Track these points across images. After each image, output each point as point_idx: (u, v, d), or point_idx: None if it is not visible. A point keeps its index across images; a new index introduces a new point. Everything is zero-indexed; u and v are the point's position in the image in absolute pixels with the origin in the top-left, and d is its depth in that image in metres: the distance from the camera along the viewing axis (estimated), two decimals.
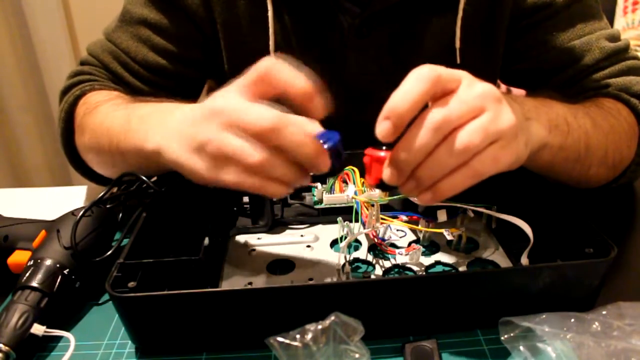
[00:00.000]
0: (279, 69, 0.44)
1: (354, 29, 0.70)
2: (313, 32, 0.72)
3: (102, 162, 0.67)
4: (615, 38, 0.71)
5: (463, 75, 0.43)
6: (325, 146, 0.43)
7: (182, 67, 0.75)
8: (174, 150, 0.47)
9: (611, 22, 1.67)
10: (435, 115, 0.41)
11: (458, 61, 0.71)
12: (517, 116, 0.44)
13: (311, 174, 0.44)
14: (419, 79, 0.41)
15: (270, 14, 0.69)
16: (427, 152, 0.41)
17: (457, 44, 0.70)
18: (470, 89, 0.42)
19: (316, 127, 0.43)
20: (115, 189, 0.62)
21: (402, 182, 0.43)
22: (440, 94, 0.42)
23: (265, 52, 0.70)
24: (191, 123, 0.46)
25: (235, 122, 0.42)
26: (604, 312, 0.45)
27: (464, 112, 0.41)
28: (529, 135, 0.48)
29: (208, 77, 0.84)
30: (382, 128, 0.41)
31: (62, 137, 0.70)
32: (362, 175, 0.64)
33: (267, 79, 0.44)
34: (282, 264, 0.57)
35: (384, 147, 0.44)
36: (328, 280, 0.53)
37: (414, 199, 0.46)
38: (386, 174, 0.43)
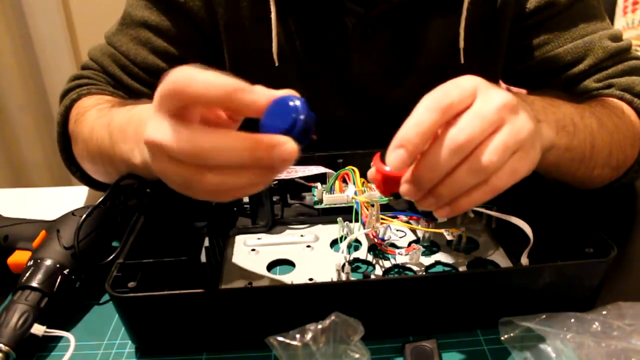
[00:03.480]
0: (190, 80, 0.36)
1: (358, 30, 0.70)
2: (317, 34, 0.71)
3: (97, 171, 0.67)
4: (617, 38, 0.71)
5: (478, 86, 0.42)
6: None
7: None
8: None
9: (611, 22, 1.67)
10: (458, 136, 0.40)
11: (462, 61, 0.71)
12: (533, 122, 0.43)
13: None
14: (431, 109, 0.40)
15: (273, 15, 0.68)
16: (449, 171, 0.40)
17: (461, 44, 0.70)
18: (488, 102, 0.41)
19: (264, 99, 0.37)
20: (115, 189, 0.62)
21: (420, 197, 0.42)
22: (455, 116, 0.41)
23: (269, 54, 0.70)
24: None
25: (156, 152, 0.38)
26: (604, 312, 0.45)
27: (485, 129, 0.40)
28: (542, 139, 0.48)
29: None
30: (397, 157, 0.39)
31: (58, 143, 0.70)
32: (362, 175, 0.64)
33: (177, 95, 0.37)
34: (282, 264, 0.57)
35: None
36: (328, 280, 0.53)
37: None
38: (404, 189, 0.42)
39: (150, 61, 0.72)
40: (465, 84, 0.41)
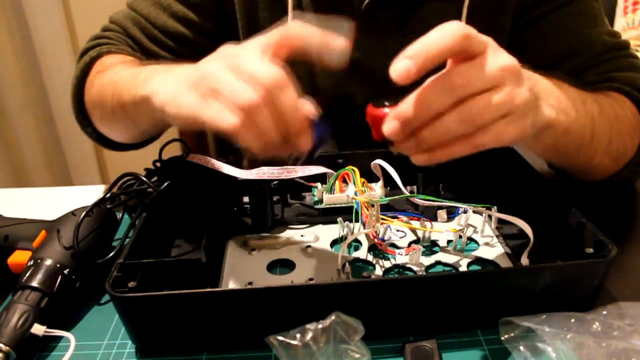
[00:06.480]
0: (300, 29, 0.45)
1: (365, 10, 0.72)
2: (327, 10, 0.73)
3: (104, 117, 0.70)
4: (615, 35, 0.73)
5: (490, 42, 0.43)
6: (314, 133, 0.45)
7: (200, 37, 0.77)
8: (167, 92, 0.48)
9: (611, 22, 1.67)
10: (454, 77, 0.40)
11: None
12: (532, 95, 0.44)
13: (285, 152, 0.45)
14: (450, 32, 0.40)
15: None
16: (436, 113, 0.41)
17: None
18: (495, 58, 0.42)
19: (312, 111, 0.45)
20: (115, 189, 0.62)
21: (403, 138, 0.43)
22: (464, 54, 0.41)
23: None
24: (198, 65, 0.47)
25: (243, 65, 0.43)
26: (604, 312, 0.45)
27: (484, 82, 0.41)
28: (537, 115, 0.48)
29: None
30: (403, 66, 0.40)
31: (73, 97, 0.73)
32: (362, 175, 0.64)
33: (288, 40, 0.45)
34: (282, 264, 0.57)
35: (386, 104, 0.43)
36: (328, 280, 0.53)
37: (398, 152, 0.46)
38: (388, 127, 0.42)
39: (169, 25, 0.75)
40: (481, 35, 0.42)
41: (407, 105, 0.41)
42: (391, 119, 0.42)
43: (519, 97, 0.42)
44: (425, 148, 0.42)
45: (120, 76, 0.63)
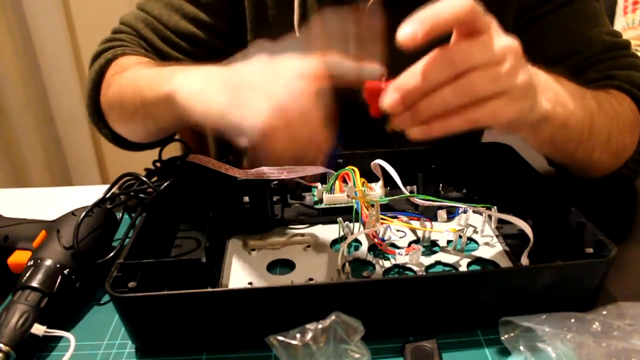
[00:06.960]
0: (338, 62, 0.48)
1: (371, 8, 0.71)
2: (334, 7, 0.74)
3: (122, 117, 0.70)
4: (616, 35, 0.73)
5: (494, 23, 0.43)
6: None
7: (212, 36, 0.77)
8: (193, 89, 0.49)
9: (611, 22, 1.67)
10: (456, 51, 0.41)
11: None
12: (529, 79, 0.44)
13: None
14: (458, 2, 0.40)
15: None
16: (436, 85, 0.41)
17: None
18: (498, 37, 0.42)
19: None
20: (115, 189, 0.62)
21: (400, 110, 0.43)
22: (469, 28, 0.41)
23: (289, 27, 0.72)
24: (232, 66, 0.49)
25: (280, 74, 0.45)
26: (604, 312, 0.45)
27: (485, 57, 0.41)
28: (536, 102, 0.48)
29: (234, 49, 0.86)
30: (410, 30, 0.39)
31: (89, 99, 0.73)
32: (362, 175, 0.64)
33: (325, 73, 0.47)
34: (282, 264, 0.57)
35: (383, 79, 0.43)
36: (328, 280, 0.53)
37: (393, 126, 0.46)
38: (387, 99, 0.42)
39: (181, 25, 0.76)
40: (487, 15, 0.42)
41: (407, 76, 0.41)
42: (391, 91, 0.42)
43: (519, 77, 0.43)
44: (421, 120, 0.42)
45: (140, 75, 0.63)
